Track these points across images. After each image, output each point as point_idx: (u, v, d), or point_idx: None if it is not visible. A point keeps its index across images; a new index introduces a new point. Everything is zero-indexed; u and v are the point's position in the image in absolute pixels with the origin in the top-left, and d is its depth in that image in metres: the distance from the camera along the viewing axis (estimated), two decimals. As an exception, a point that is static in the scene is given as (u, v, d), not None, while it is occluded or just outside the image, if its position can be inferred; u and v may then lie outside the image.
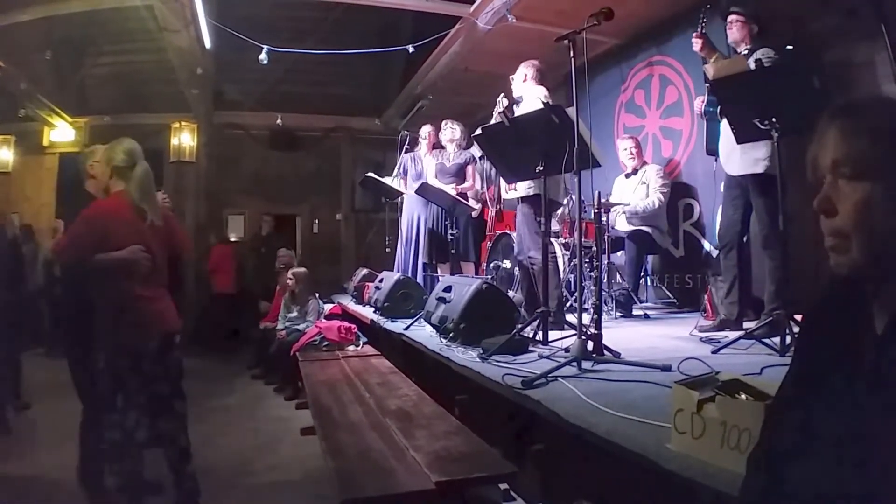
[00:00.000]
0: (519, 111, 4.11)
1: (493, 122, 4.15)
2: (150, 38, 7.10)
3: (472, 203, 5.76)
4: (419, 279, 5.72)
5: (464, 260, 5.81)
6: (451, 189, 5.59)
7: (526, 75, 4.23)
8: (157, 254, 2.87)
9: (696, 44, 3.85)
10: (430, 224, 5.83)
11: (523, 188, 4.05)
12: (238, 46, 6.52)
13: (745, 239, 3.80)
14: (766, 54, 3.37)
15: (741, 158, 3.56)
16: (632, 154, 5.38)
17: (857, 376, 0.86)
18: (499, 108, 4.29)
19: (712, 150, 3.98)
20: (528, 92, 4.18)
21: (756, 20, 3.73)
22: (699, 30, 3.84)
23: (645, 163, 5.44)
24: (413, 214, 5.99)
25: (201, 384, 5.78)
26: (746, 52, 3.65)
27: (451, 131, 5.94)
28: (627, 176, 5.43)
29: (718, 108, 3.79)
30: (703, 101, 4.04)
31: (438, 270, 5.77)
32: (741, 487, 1.08)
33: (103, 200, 3.01)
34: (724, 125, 3.73)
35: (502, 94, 4.36)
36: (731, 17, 3.71)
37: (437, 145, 6.23)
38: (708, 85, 3.92)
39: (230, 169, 9.84)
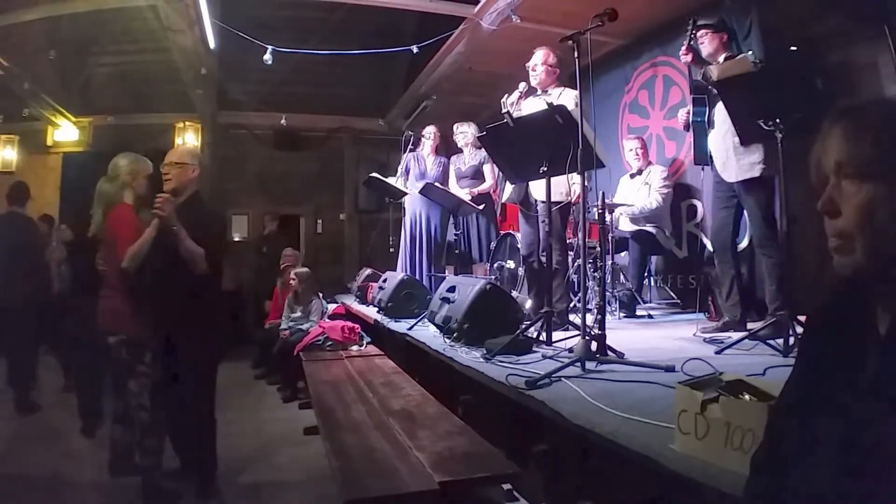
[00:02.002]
0: (538, 102, 4.01)
1: (513, 95, 4.11)
2: (155, 38, 7.07)
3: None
4: (424, 280, 5.72)
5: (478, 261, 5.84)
6: (465, 193, 5.59)
7: (556, 71, 4.11)
8: (109, 261, 3.28)
9: (686, 58, 3.84)
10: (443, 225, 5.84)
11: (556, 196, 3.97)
12: (242, 47, 6.51)
13: (737, 240, 3.79)
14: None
15: (738, 165, 3.57)
16: (637, 154, 5.38)
17: (861, 377, 0.87)
18: (519, 92, 4.15)
19: (702, 160, 3.90)
20: (555, 92, 4.05)
21: (724, 28, 3.82)
22: (688, 42, 3.83)
23: (650, 163, 5.44)
24: (416, 214, 5.99)
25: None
26: (723, 60, 3.73)
27: (463, 135, 5.93)
28: (632, 176, 5.44)
29: (706, 116, 3.80)
30: (688, 112, 3.97)
31: (447, 271, 5.78)
32: (745, 488, 1.08)
33: None
34: (714, 133, 3.74)
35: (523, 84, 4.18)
36: (701, 32, 3.79)
37: (440, 147, 6.21)
38: (693, 96, 3.90)
39: (234, 169, 9.81)
